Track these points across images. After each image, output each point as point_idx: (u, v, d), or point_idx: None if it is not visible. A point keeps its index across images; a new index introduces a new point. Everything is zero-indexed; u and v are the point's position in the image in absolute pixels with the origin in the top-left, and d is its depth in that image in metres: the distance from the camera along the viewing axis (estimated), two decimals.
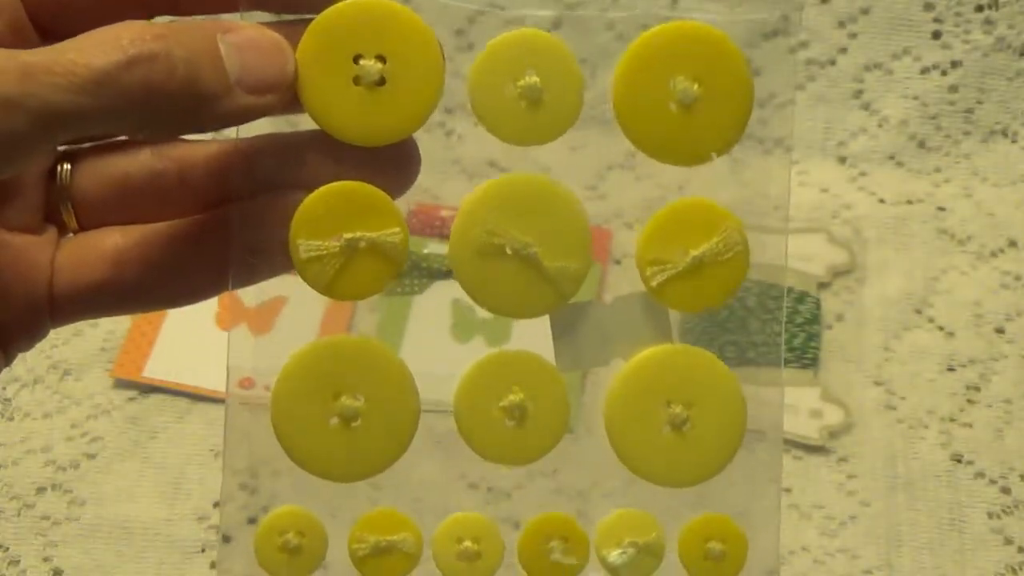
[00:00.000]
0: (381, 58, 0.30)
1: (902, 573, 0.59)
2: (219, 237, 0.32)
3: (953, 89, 0.74)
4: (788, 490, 0.62)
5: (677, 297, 0.32)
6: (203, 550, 0.59)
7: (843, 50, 0.74)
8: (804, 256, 0.70)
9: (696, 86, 0.31)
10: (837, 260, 0.70)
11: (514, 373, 0.33)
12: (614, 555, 0.34)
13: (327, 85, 0.30)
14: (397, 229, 0.31)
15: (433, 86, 0.31)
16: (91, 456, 0.62)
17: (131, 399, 0.64)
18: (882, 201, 0.73)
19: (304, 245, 0.31)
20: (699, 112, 0.31)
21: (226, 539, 0.35)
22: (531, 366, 0.33)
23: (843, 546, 0.60)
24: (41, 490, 0.61)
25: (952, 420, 0.64)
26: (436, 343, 0.64)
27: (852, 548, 0.60)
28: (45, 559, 0.59)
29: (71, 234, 0.34)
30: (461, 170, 0.70)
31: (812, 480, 0.62)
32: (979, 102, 0.74)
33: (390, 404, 0.32)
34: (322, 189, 0.31)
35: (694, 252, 0.32)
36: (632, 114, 0.31)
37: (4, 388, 0.64)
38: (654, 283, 0.32)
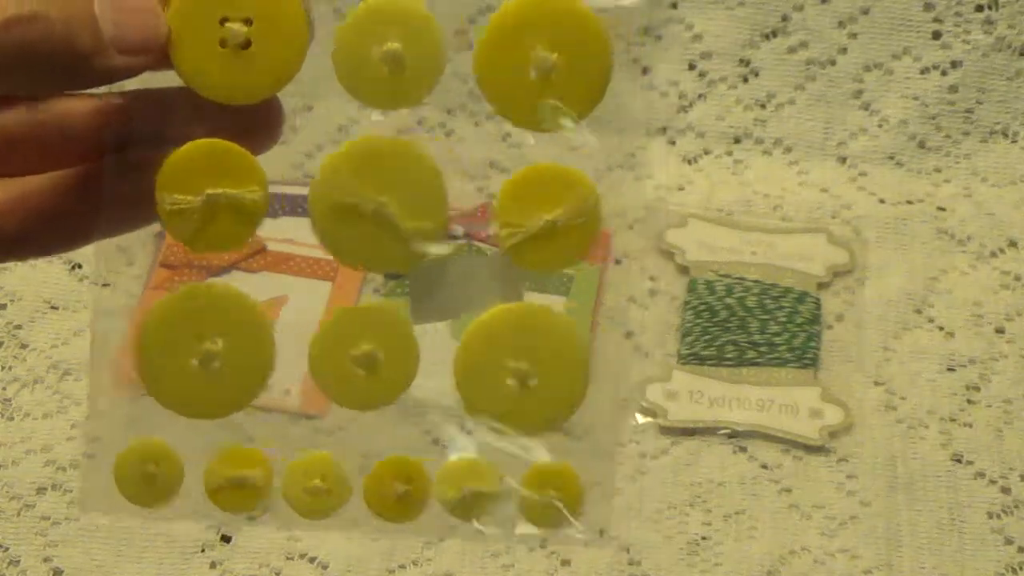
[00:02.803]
0: (247, 21, 0.32)
1: (902, 573, 0.59)
2: (96, 189, 0.34)
3: (953, 89, 0.74)
4: (788, 490, 0.62)
5: (530, 258, 0.33)
6: (203, 550, 0.59)
7: (843, 50, 0.74)
8: (804, 256, 0.70)
9: (555, 56, 0.32)
10: (837, 260, 0.70)
11: (367, 325, 0.34)
12: (451, 497, 0.35)
13: (195, 46, 0.32)
14: (256, 187, 0.32)
15: (296, 49, 0.32)
16: (91, 456, 0.62)
17: (131, 399, 0.64)
18: (882, 201, 0.73)
19: (168, 199, 0.32)
20: (557, 81, 0.32)
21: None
22: (384, 318, 0.34)
23: (843, 546, 0.60)
24: (41, 490, 0.61)
25: (952, 420, 0.64)
26: (435, 343, 0.64)
27: (852, 548, 0.60)
28: (45, 559, 0.59)
29: None
30: (461, 170, 0.70)
31: (812, 480, 0.62)
32: (979, 102, 0.74)
33: (247, 349, 0.34)
34: (187, 145, 0.32)
35: (547, 216, 0.33)
36: (493, 80, 0.33)
37: (4, 388, 0.64)
38: (508, 244, 0.33)
